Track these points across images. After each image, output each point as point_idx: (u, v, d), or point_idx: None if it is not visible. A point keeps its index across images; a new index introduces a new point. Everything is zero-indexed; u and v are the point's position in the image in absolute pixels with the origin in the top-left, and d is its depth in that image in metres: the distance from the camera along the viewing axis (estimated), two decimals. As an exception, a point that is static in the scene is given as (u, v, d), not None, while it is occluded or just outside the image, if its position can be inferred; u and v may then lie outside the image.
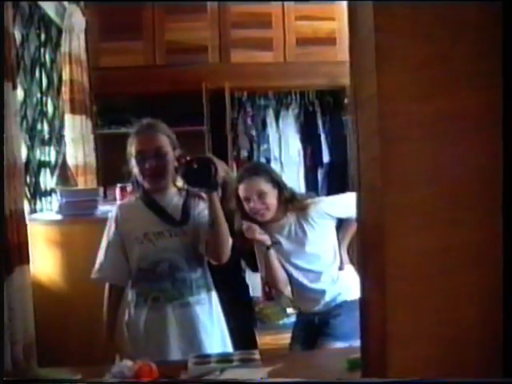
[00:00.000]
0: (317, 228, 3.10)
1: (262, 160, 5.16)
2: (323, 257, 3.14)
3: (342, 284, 3.14)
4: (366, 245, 1.52)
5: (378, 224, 1.45)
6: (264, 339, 3.77)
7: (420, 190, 1.44)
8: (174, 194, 2.62)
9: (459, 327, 1.48)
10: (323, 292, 3.12)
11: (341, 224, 3.25)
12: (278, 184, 3.11)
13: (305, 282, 3.13)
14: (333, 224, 3.20)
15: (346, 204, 3.15)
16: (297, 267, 3.13)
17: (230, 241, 2.56)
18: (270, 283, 3.28)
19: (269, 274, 3.11)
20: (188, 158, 2.44)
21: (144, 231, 2.55)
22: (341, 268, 3.19)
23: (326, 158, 5.26)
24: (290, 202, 3.13)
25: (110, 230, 2.64)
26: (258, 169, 3.25)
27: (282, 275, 3.12)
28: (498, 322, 1.47)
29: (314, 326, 3.14)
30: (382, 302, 1.46)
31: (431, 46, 1.43)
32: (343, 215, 3.16)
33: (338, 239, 3.22)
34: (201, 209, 2.56)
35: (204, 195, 2.50)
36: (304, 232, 3.10)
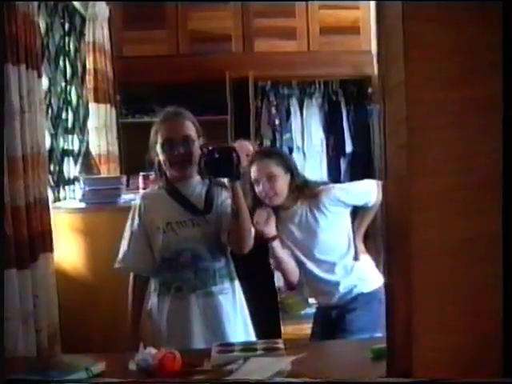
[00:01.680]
0: (329, 216, 3.02)
1: (285, 149, 5.14)
2: (337, 246, 3.07)
3: (358, 275, 3.07)
4: (391, 234, 1.50)
5: (404, 213, 1.44)
6: (286, 329, 3.75)
7: (446, 180, 1.42)
8: (197, 182, 2.61)
9: (484, 318, 1.46)
10: (337, 283, 3.04)
11: (356, 212, 3.17)
12: (291, 170, 3.03)
13: (318, 272, 3.05)
14: (347, 212, 3.10)
15: (361, 191, 3.13)
16: (309, 257, 3.04)
17: (253, 230, 2.55)
18: (281, 274, 3.22)
19: (277, 265, 3.08)
20: (210, 148, 2.43)
21: (167, 221, 2.55)
22: (356, 258, 3.10)
23: (348, 148, 5.23)
24: (301, 189, 3.05)
25: (133, 219, 2.64)
26: (270, 152, 3.23)
27: (290, 267, 3.04)
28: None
29: (331, 321, 3.07)
30: (407, 291, 1.45)
31: (460, 34, 1.41)
32: (358, 202, 3.09)
33: (353, 228, 3.14)
34: (224, 198, 2.55)
35: (227, 184, 2.49)
36: (316, 220, 3.01)
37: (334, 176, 5.26)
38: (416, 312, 1.45)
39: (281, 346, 2.17)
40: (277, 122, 5.14)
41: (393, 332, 1.50)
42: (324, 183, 3.37)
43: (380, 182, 3.17)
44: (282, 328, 3.40)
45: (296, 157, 5.12)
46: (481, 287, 1.46)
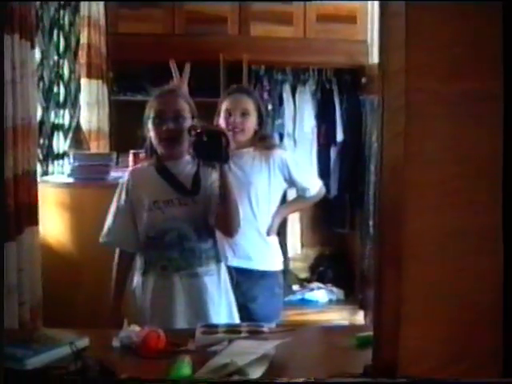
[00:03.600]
0: (269, 177, 3.08)
1: (276, 135, 5.12)
2: (260, 208, 3.09)
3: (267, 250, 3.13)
4: (383, 222, 1.50)
5: (397, 202, 1.44)
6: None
7: (441, 169, 1.42)
8: (187, 162, 2.60)
9: (473, 310, 1.47)
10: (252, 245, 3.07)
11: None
12: (261, 115, 3.12)
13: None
14: (282, 187, 3.17)
15: (308, 174, 3.31)
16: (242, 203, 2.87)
17: (241, 215, 2.54)
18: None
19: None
20: (198, 130, 2.41)
21: (154, 199, 2.54)
22: (268, 233, 3.14)
23: (339, 137, 5.22)
24: (261, 137, 3.14)
25: (120, 195, 2.63)
26: (248, 91, 3.27)
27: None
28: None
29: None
30: (397, 280, 1.45)
31: (462, 24, 1.41)
32: (300, 181, 3.16)
33: (279, 207, 3.19)
34: (213, 179, 2.53)
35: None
36: (258, 171, 3.06)
37: (324, 164, 5.26)
38: (405, 301, 1.46)
39: (265, 329, 2.17)
40: (269, 107, 5.11)
41: (380, 320, 1.50)
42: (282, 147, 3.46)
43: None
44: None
45: (287, 143, 5.11)
46: (471, 280, 1.47)
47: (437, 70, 1.40)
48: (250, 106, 3.07)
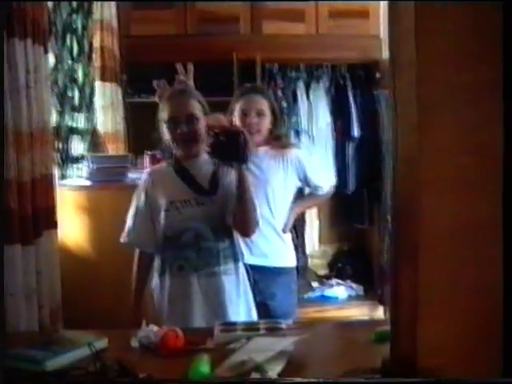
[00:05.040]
0: (285, 175, 3.08)
1: (291, 132, 5.12)
2: (276, 206, 3.09)
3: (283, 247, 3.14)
4: (399, 216, 1.49)
5: (413, 194, 1.42)
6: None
7: (456, 161, 1.41)
8: (205, 161, 2.59)
9: (492, 303, 1.45)
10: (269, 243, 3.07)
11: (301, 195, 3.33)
12: (275, 113, 3.11)
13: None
14: (296, 186, 3.18)
15: (322, 172, 3.30)
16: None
17: (258, 215, 2.54)
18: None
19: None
20: (216, 131, 2.39)
21: (171, 199, 2.54)
22: (284, 231, 3.15)
23: (356, 133, 5.20)
24: (275, 135, 3.15)
25: (139, 195, 2.64)
26: (262, 90, 3.27)
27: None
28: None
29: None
30: (414, 275, 1.44)
31: (474, 14, 1.39)
32: (313, 179, 3.17)
33: (292, 205, 3.19)
34: (232, 179, 2.53)
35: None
36: (274, 170, 3.06)
37: (341, 160, 5.25)
38: (421, 294, 1.44)
39: (283, 326, 2.17)
40: (284, 104, 5.10)
41: (397, 314, 1.50)
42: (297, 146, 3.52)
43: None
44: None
45: (303, 140, 5.10)
46: (489, 273, 1.45)
47: (449, 60, 1.38)
48: (265, 105, 3.07)
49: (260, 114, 3.04)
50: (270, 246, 3.06)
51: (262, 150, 3.07)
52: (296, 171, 3.10)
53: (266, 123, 3.07)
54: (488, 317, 1.46)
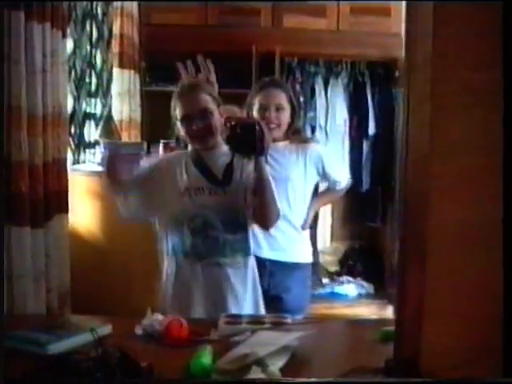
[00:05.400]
0: (305, 170, 3.06)
1: (308, 128, 5.11)
2: (296, 201, 3.07)
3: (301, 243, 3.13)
4: (408, 213, 1.48)
5: (423, 192, 1.41)
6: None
7: (468, 161, 1.39)
8: (223, 152, 2.57)
9: (494, 306, 1.44)
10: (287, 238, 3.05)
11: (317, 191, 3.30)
12: (294, 107, 3.07)
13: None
14: (315, 181, 3.16)
15: (340, 167, 3.30)
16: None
17: (278, 209, 2.52)
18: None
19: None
20: (232, 123, 2.37)
21: (185, 185, 2.53)
22: (303, 227, 3.13)
23: (372, 130, 5.18)
24: (295, 131, 3.12)
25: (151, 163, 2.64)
26: (281, 84, 3.25)
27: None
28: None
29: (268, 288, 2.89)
30: (421, 273, 1.43)
31: (489, 15, 1.38)
32: (332, 174, 3.16)
33: (312, 201, 3.18)
34: (249, 171, 2.51)
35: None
36: (294, 165, 3.04)
37: (356, 157, 5.23)
38: (428, 295, 1.43)
39: (289, 321, 2.16)
40: (301, 99, 5.09)
41: (402, 314, 1.48)
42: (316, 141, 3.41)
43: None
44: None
45: (319, 136, 5.09)
46: (496, 274, 1.44)
47: (463, 59, 1.37)
48: (284, 100, 3.04)
49: (279, 108, 3.02)
50: (288, 241, 3.05)
51: (282, 144, 3.05)
52: (315, 167, 3.08)
53: (286, 117, 3.04)
54: (489, 318, 1.45)
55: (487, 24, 1.37)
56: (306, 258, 3.17)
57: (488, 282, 1.44)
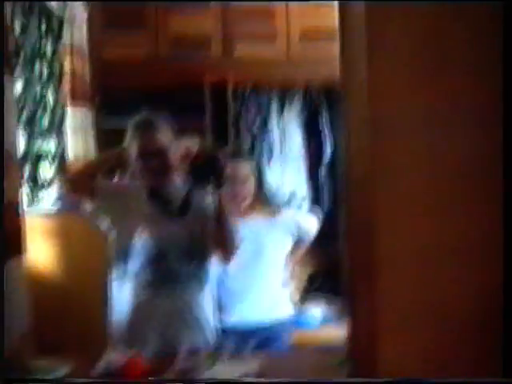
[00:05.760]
0: (282, 238, 3.11)
1: (264, 155, 5.12)
2: (275, 266, 3.11)
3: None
4: (353, 240, 1.49)
5: (367, 219, 1.42)
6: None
7: (412, 182, 1.41)
8: (178, 186, 2.59)
9: (451, 324, 1.45)
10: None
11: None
12: (259, 174, 3.18)
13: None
14: (291, 241, 3.18)
15: (312, 218, 3.34)
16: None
17: (238, 237, 2.53)
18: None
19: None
20: (195, 155, 2.42)
21: (141, 217, 2.53)
22: (284, 285, 3.18)
23: (328, 155, 5.21)
24: (264, 198, 3.28)
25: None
26: (242, 153, 3.26)
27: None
28: (494, 320, 1.45)
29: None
30: (370, 298, 1.44)
31: (424, 34, 1.41)
32: (307, 231, 3.23)
33: (290, 256, 3.21)
34: (207, 203, 2.53)
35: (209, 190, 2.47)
36: (271, 235, 3.06)
37: (314, 182, 5.24)
38: (379, 314, 1.44)
39: (247, 352, 2.16)
40: (256, 127, 5.10)
41: (353, 335, 1.49)
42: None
43: None
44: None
45: (275, 162, 5.10)
46: (448, 293, 1.45)
47: (399, 80, 1.39)
48: (247, 170, 3.03)
49: (244, 180, 3.01)
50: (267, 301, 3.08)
51: (253, 216, 3.04)
52: (292, 232, 3.09)
53: (251, 187, 3.04)
54: (450, 339, 1.46)
55: (422, 45, 1.40)
56: (284, 313, 3.22)
57: (441, 300, 1.45)
